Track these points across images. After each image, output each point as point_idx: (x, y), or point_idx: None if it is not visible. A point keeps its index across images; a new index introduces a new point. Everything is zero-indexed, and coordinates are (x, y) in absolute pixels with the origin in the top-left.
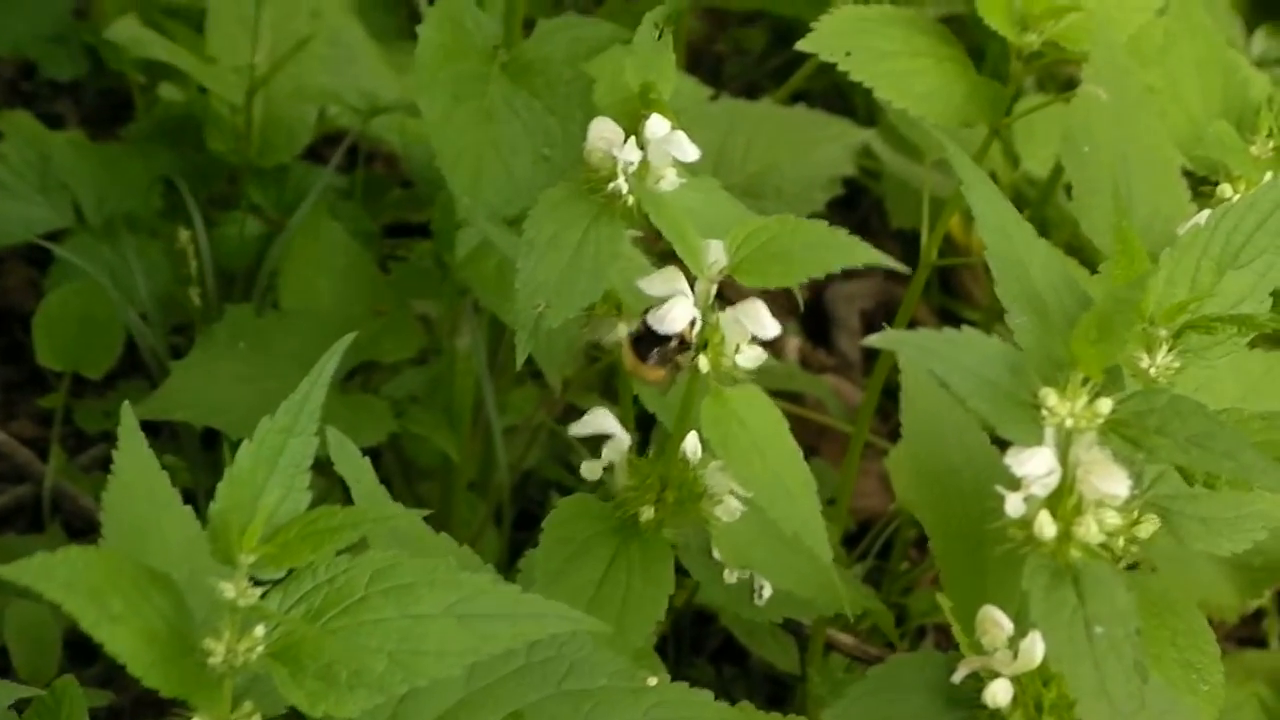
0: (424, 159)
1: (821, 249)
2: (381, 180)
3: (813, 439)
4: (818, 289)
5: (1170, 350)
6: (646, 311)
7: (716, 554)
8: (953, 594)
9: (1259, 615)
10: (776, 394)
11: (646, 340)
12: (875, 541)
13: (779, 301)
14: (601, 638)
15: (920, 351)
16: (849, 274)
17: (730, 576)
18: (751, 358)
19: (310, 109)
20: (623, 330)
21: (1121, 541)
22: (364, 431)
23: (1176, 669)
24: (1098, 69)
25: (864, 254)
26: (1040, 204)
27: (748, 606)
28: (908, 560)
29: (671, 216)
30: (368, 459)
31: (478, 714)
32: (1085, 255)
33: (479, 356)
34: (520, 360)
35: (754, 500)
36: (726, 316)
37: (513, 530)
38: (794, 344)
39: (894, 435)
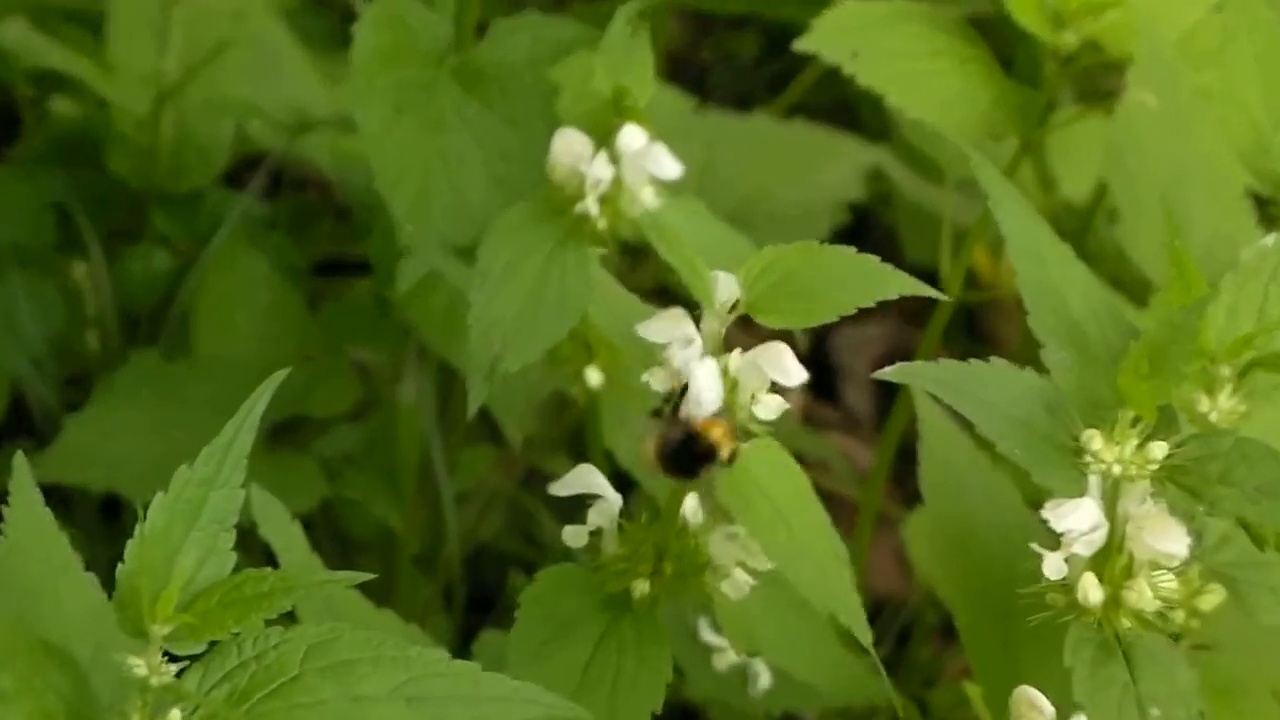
0: (361, 183)
1: (851, 281)
2: (312, 209)
3: None
4: (821, 335)
5: (1234, 392)
6: (670, 405)
7: (706, 635)
8: (982, 677)
9: None
10: None
11: (682, 451)
12: (891, 626)
13: None
14: None
15: (942, 387)
16: (858, 317)
17: (721, 663)
18: (771, 408)
19: (228, 125)
20: (594, 378)
21: (1181, 615)
22: (291, 496)
23: None
24: (1145, 72)
25: (902, 283)
26: (1080, 234)
27: (741, 697)
28: (929, 648)
29: (675, 241)
30: (299, 530)
31: None
32: (1132, 292)
33: (425, 409)
34: (473, 410)
35: (769, 574)
36: (744, 361)
37: (465, 613)
38: (795, 397)
39: (911, 502)
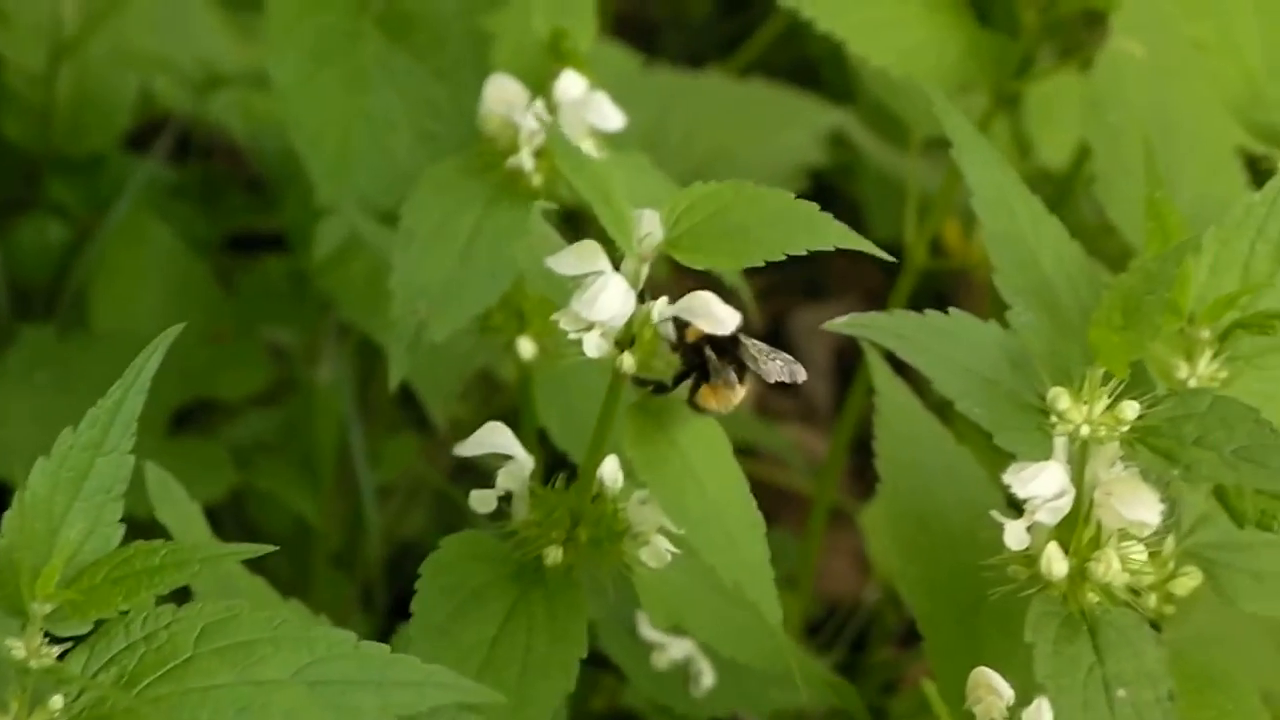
0: (276, 148)
1: (787, 225)
2: (222, 177)
3: (771, 503)
4: (778, 318)
5: (1215, 356)
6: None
7: (645, 631)
8: (940, 667)
9: None
10: None
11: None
12: (847, 630)
13: None
14: (496, 711)
15: (897, 341)
16: (817, 299)
17: (661, 660)
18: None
19: (131, 82)
20: (527, 349)
21: (1154, 599)
22: (196, 485)
23: None
24: (1131, 19)
25: (842, 235)
26: (1057, 204)
27: (683, 699)
28: (888, 651)
29: (593, 175)
30: (199, 511)
31: None
32: (1113, 268)
33: (344, 393)
34: (394, 383)
35: (688, 541)
36: (668, 309)
37: (387, 615)
38: (748, 385)
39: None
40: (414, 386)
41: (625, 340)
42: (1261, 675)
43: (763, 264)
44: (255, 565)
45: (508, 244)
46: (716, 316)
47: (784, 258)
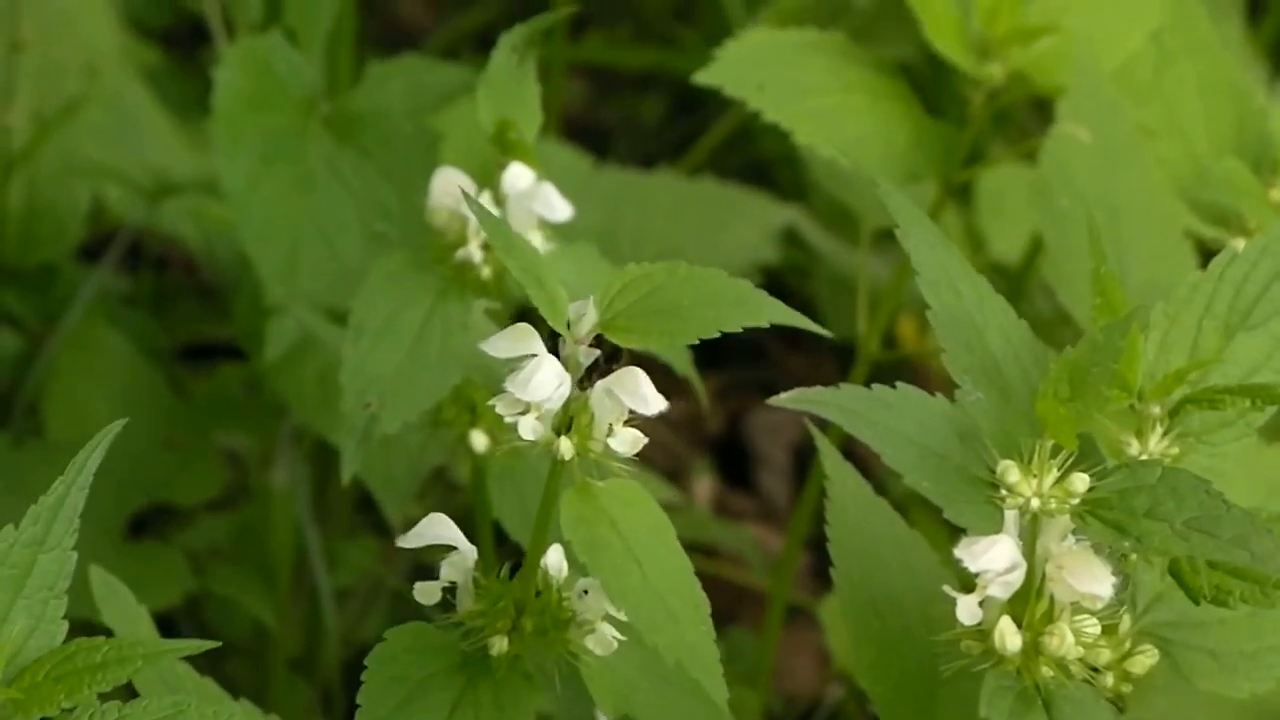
0: (228, 255)
1: (722, 303)
2: (176, 287)
3: (729, 602)
4: (735, 418)
5: (1166, 434)
6: None
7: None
8: None
9: None
10: (685, 548)
11: None
12: None
13: (685, 433)
14: None
15: (845, 415)
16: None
17: None
18: (627, 441)
19: (83, 192)
20: (479, 441)
21: (1111, 679)
22: (151, 590)
23: None
24: (1077, 104)
25: (776, 312)
26: (1012, 297)
27: None
28: None
29: (525, 258)
30: (146, 613)
31: None
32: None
33: (300, 497)
34: (346, 478)
35: (631, 624)
36: (596, 390)
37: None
38: (706, 485)
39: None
40: (369, 487)
41: (562, 425)
42: None
43: (698, 342)
44: (214, 672)
45: (458, 337)
46: (643, 396)
47: (718, 334)
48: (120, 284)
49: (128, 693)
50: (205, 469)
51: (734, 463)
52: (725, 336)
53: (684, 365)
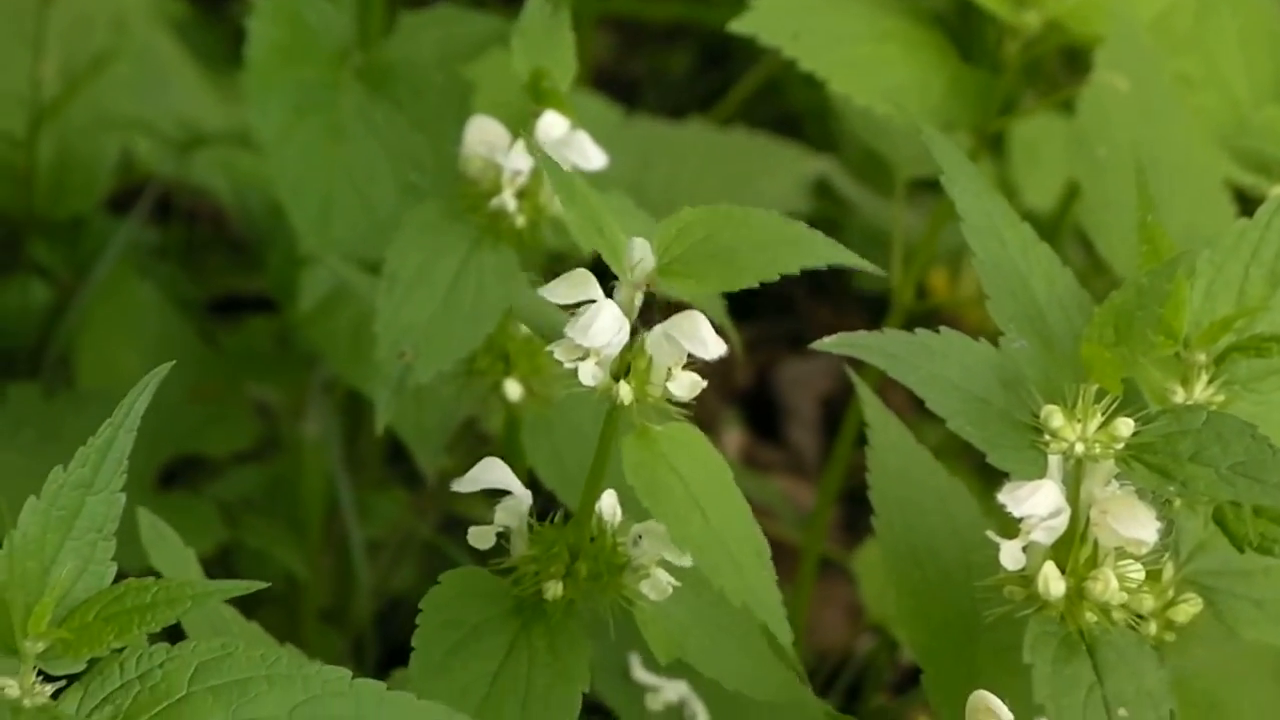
0: (260, 206)
1: (777, 245)
2: (205, 240)
3: None
4: (764, 371)
5: (1211, 381)
6: None
7: (638, 674)
8: (938, 701)
9: None
10: None
11: None
12: (839, 678)
13: (714, 385)
14: None
15: (889, 360)
16: (802, 351)
17: (655, 703)
18: (685, 385)
19: (112, 144)
20: (513, 390)
21: (1154, 627)
22: (185, 541)
23: None
24: (1115, 54)
25: (832, 252)
26: None
27: None
28: (881, 698)
29: (586, 203)
30: (193, 556)
31: None
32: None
33: (332, 448)
34: (380, 426)
35: (695, 576)
36: (655, 334)
37: (378, 671)
38: (735, 437)
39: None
40: (401, 438)
41: (620, 371)
42: (1263, 710)
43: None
44: (247, 621)
45: (492, 285)
46: (703, 339)
47: (777, 278)
48: (149, 236)
49: (173, 637)
50: (236, 420)
51: (763, 415)
52: (754, 289)
53: (719, 314)
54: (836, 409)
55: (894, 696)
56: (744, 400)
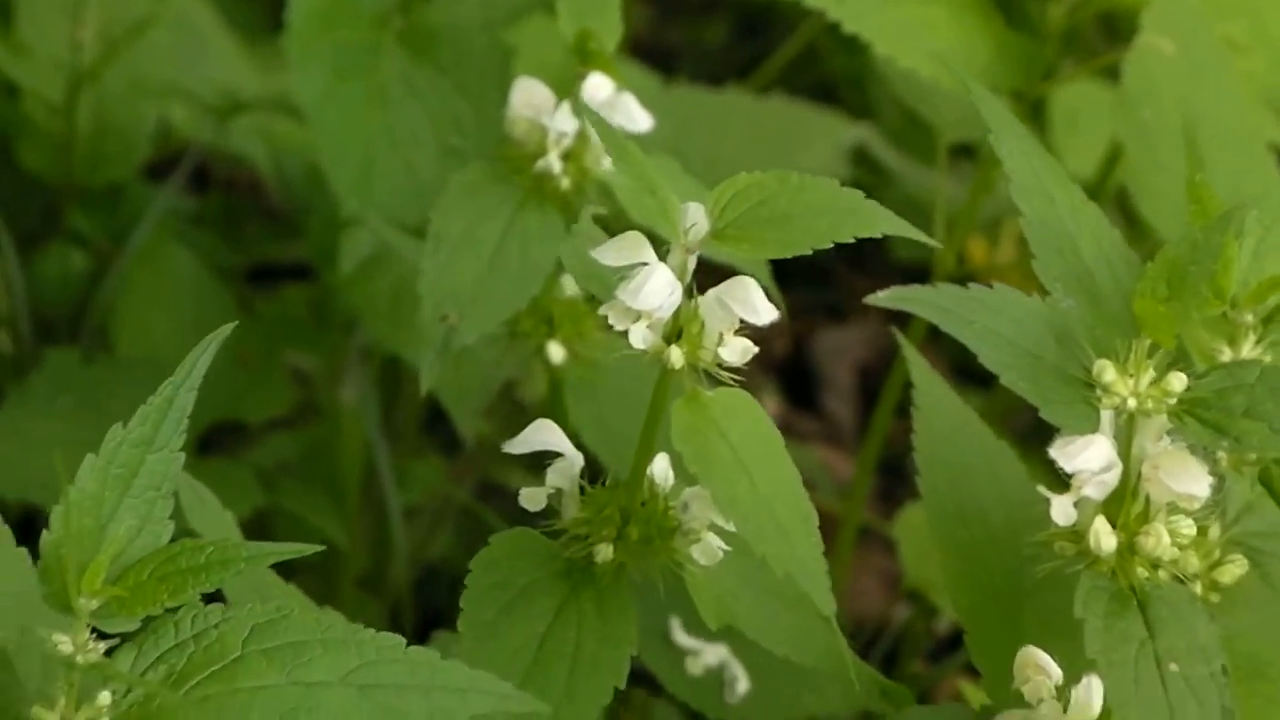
0: (297, 174)
1: (832, 212)
2: (243, 208)
3: None
4: (801, 339)
5: (1259, 341)
6: None
7: (679, 638)
8: (982, 660)
9: None
10: None
11: None
12: (876, 646)
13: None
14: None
15: (941, 314)
16: (839, 321)
17: (695, 667)
18: (737, 350)
19: (150, 111)
20: (556, 353)
21: (1200, 588)
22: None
23: None
24: (1160, 16)
25: (888, 221)
26: None
27: (718, 706)
28: (918, 665)
29: (638, 164)
30: (233, 520)
31: None
32: None
33: (369, 414)
34: (425, 388)
35: (745, 543)
36: (708, 298)
37: (415, 637)
38: (772, 407)
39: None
40: (442, 401)
41: (672, 334)
42: None
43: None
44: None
45: (537, 247)
46: (755, 305)
47: (830, 246)
48: (187, 205)
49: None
50: (274, 387)
51: (800, 386)
52: (791, 258)
53: (765, 278)
54: (873, 379)
55: (930, 665)
56: (781, 370)
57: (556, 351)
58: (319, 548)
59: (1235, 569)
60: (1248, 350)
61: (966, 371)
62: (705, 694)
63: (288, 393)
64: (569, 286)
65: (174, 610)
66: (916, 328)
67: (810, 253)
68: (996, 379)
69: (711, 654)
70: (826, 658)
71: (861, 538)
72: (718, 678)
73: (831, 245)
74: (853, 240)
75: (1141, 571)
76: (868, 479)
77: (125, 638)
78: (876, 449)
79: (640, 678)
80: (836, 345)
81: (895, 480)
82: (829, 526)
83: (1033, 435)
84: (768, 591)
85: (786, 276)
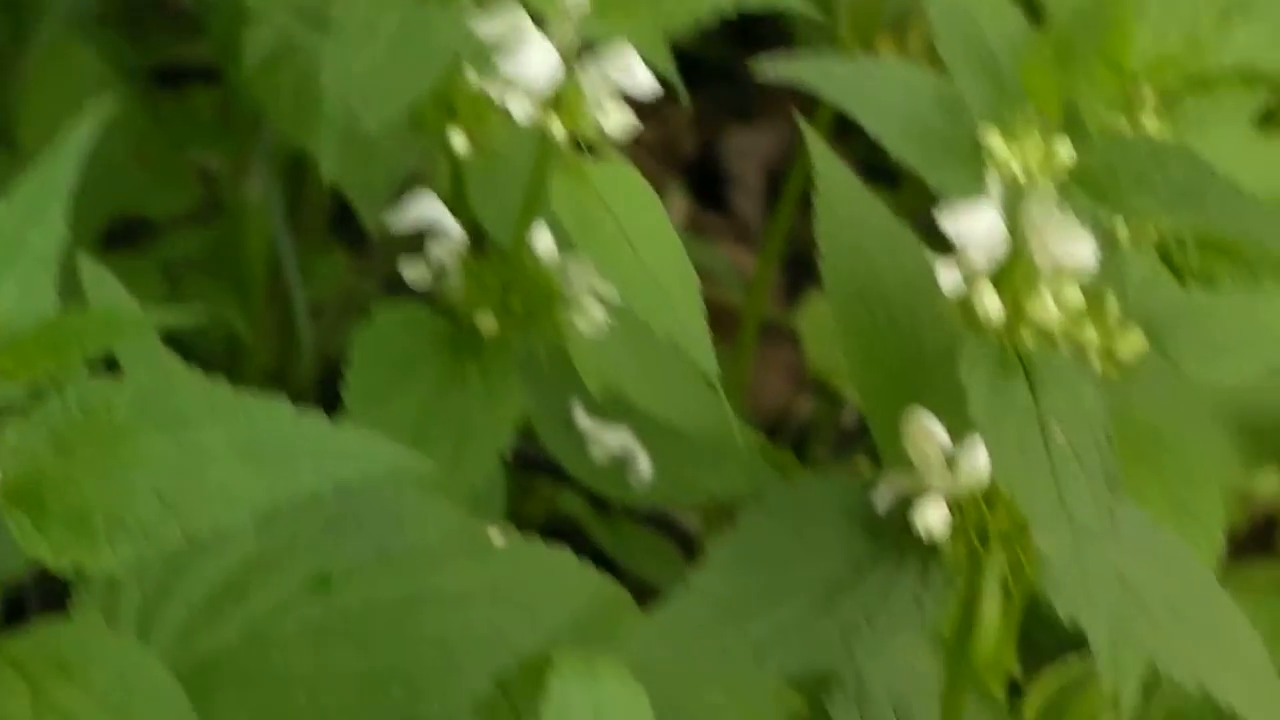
0: None
1: None
2: (147, 7)
3: None
4: (709, 139)
5: (1160, 118)
6: None
7: (581, 421)
8: (882, 436)
9: (1270, 526)
10: None
11: None
12: (781, 438)
13: (659, 156)
14: (432, 482)
15: (829, 83)
16: (748, 121)
17: (598, 452)
18: (618, 122)
19: None
20: (458, 142)
21: (1098, 362)
22: None
23: (1165, 509)
24: None
25: None
26: None
27: (621, 489)
28: (824, 451)
29: None
30: (135, 302)
31: (271, 574)
32: None
33: (274, 209)
34: (328, 176)
35: (629, 314)
36: (588, 68)
37: None
38: (680, 205)
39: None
40: (346, 194)
41: (552, 106)
42: (1205, 444)
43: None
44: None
45: (438, 35)
46: (632, 71)
47: (716, 20)
48: (89, 3)
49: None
50: (178, 183)
51: (708, 185)
52: (698, 58)
53: (664, 65)
54: (782, 180)
55: (836, 456)
56: (689, 170)
57: (459, 141)
58: (206, 318)
59: (1134, 341)
60: (1148, 123)
61: (874, 169)
62: (609, 479)
63: (193, 189)
64: (474, 79)
65: (61, 381)
66: (822, 123)
67: (702, 55)
68: (904, 178)
69: (614, 438)
70: (715, 426)
71: (767, 334)
72: (622, 465)
73: (716, 18)
74: (733, 14)
75: (1027, 336)
76: (770, 271)
77: (12, 410)
78: (780, 241)
79: (544, 467)
80: (745, 145)
81: (803, 275)
82: (733, 321)
83: (938, 233)
84: (656, 362)
85: (693, 78)
